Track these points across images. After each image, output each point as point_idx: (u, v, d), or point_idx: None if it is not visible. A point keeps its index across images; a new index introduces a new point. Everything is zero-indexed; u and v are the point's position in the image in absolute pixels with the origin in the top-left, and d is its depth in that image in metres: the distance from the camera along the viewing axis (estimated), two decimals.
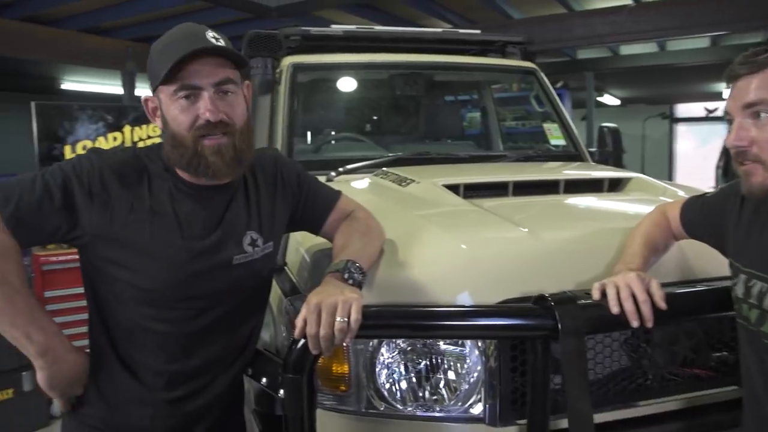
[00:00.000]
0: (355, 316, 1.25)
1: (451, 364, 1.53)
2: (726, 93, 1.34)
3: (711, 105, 12.86)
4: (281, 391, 1.37)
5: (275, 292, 1.75)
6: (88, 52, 6.90)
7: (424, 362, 1.53)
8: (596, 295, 1.39)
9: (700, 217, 1.53)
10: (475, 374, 1.51)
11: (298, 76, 3.00)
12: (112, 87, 8.53)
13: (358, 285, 1.38)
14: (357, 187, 2.41)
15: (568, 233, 1.72)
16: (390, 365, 1.53)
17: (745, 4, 5.28)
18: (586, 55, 9.01)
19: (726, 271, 1.44)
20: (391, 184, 2.27)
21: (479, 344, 1.50)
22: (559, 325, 1.31)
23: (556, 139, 3.54)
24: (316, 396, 1.40)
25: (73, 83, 8.81)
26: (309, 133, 3.33)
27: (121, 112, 5.31)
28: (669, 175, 12.93)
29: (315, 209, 1.61)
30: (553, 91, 3.62)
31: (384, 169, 2.54)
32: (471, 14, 6.90)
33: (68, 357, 1.37)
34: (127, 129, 5.23)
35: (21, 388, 3.95)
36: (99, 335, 1.43)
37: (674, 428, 1.58)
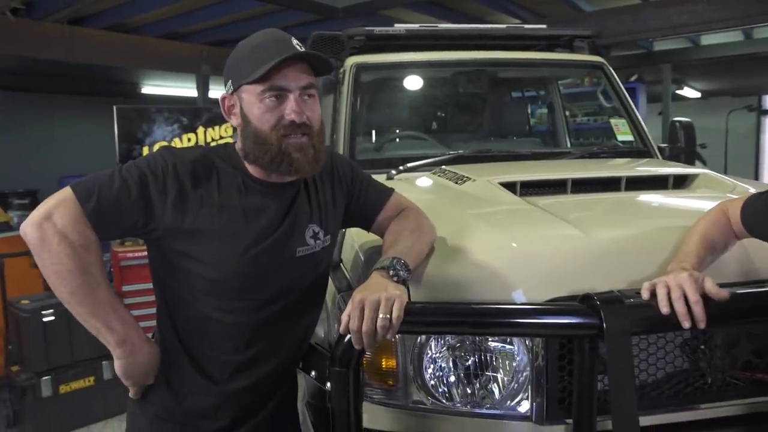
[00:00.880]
0: (396, 313, 1.28)
1: (499, 361, 1.53)
2: None
3: None
4: (328, 384, 1.41)
5: (330, 288, 1.80)
6: (166, 57, 7.23)
7: (471, 359, 1.54)
8: (645, 294, 1.36)
9: (763, 214, 1.46)
10: (523, 373, 1.51)
11: (361, 76, 3.05)
12: (187, 90, 8.88)
13: (403, 282, 1.40)
14: (414, 185, 2.43)
15: (622, 231, 1.69)
16: (437, 361, 1.55)
17: None
18: (664, 47, 8.66)
19: None
20: (448, 182, 2.28)
21: (527, 342, 1.50)
22: (605, 325, 1.29)
23: (624, 135, 3.45)
24: (362, 389, 1.44)
25: (151, 87, 9.22)
26: (372, 132, 3.38)
27: (196, 113, 5.56)
28: (756, 171, 12.27)
29: (367, 205, 1.66)
30: (621, 86, 3.53)
31: (443, 167, 2.55)
32: (541, 8, 6.76)
33: (144, 348, 1.45)
34: (200, 130, 5.46)
35: (101, 376, 4.19)
36: (168, 329, 1.50)
37: None
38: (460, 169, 2.38)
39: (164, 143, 5.37)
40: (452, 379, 1.55)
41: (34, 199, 9.07)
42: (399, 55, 3.23)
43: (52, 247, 1.29)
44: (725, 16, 5.59)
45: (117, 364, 1.43)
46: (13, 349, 4.13)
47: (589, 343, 1.37)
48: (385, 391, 1.56)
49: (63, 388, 4.02)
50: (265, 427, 1.57)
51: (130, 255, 4.41)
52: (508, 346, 1.52)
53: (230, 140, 5.72)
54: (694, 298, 1.30)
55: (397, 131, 3.36)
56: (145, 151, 5.21)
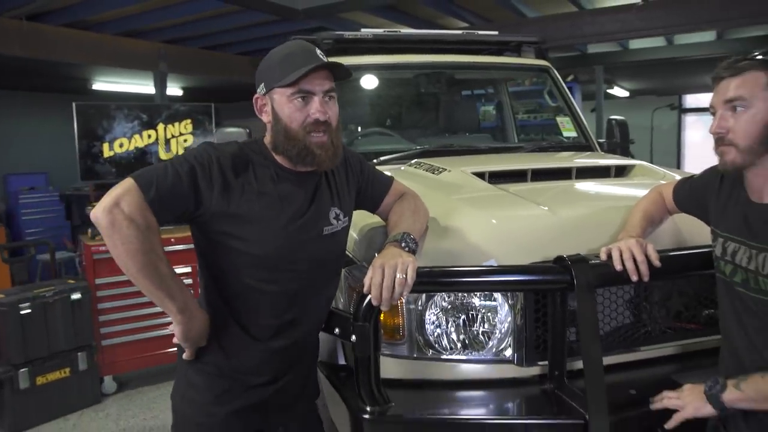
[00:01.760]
0: (411, 273, 1.59)
1: (486, 317, 1.87)
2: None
3: None
4: (353, 337, 1.71)
5: None
6: (124, 54, 7.22)
7: (463, 317, 1.88)
8: (603, 256, 1.74)
9: (689, 195, 1.86)
10: (506, 325, 1.86)
11: None
12: (141, 87, 8.87)
13: (413, 252, 1.70)
14: (395, 176, 2.74)
15: (581, 211, 2.07)
16: (435, 319, 1.88)
17: (748, 0, 5.58)
18: (596, 50, 9.30)
19: (709, 240, 1.76)
20: (425, 173, 2.60)
21: (509, 300, 1.85)
22: (575, 280, 1.65)
23: (568, 132, 3.85)
24: (380, 340, 1.74)
25: (103, 83, 9.12)
26: (344, 129, 3.65)
27: (155, 111, 5.60)
28: (678, 163, 13.15)
29: (374, 190, 1.96)
30: (565, 87, 3.92)
31: (417, 159, 2.87)
32: (487, 13, 7.13)
33: (199, 314, 1.67)
34: (161, 127, 5.52)
35: (77, 367, 4.26)
36: (215, 298, 1.73)
37: (669, 369, 1.92)
38: (433, 161, 2.71)
39: (124, 140, 5.42)
40: (447, 333, 1.88)
41: None
42: (366, 57, 3.53)
43: (122, 230, 1.48)
44: (650, 25, 6.24)
45: (178, 330, 1.64)
46: None
47: (560, 297, 1.74)
48: (393, 345, 1.88)
49: (40, 380, 4.07)
50: (298, 381, 1.84)
51: (103, 248, 4.37)
52: (492, 303, 1.86)
53: (189, 137, 5.84)
54: (640, 258, 1.69)
55: (367, 128, 3.66)
56: (105, 147, 5.26)
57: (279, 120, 1.69)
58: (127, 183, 1.53)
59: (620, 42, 8.57)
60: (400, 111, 4.05)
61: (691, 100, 13.43)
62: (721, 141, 1.56)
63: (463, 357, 1.87)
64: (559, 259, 1.72)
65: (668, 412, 1.62)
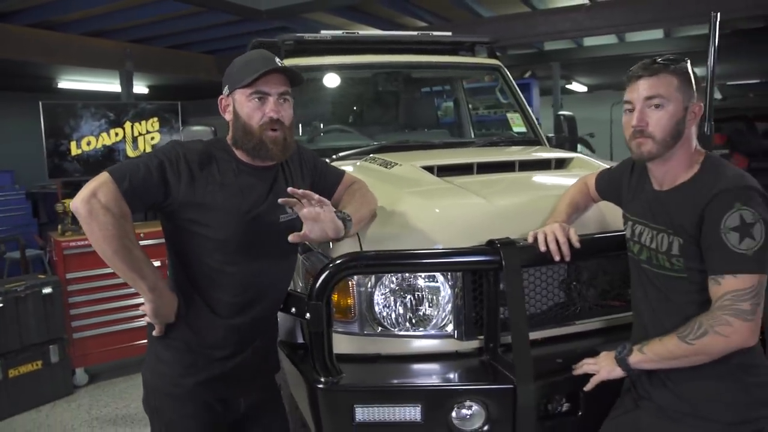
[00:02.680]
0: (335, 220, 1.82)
1: (429, 296, 2.07)
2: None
3: None
4: (307, 315, 1.89)
5: None
6: (90, 54, 7.26)
7: (408, 296, 2.08)
8: (530, 239, 1.96)
9: (608, 184, 2.08)
10: (447, 304, 2.06)
11: None
12: (106, 85, 8.88)
13: (343, 221, 1.86)
14: (350, 170, 2.91)
15: (516, 200, 2.28)
16: (384, 299, 2.07)
17: (689, 1, 5.90)
18: (553, 47, 9.62)
19: None
20: (378, 167, 2.78)
21: (449, 281, 2.05)
22: (503, 261, 1.86)
23: (518, 127, 4.07)
24: (332, 317, 1.93)
25: (68, 82, 9.11)
26: (305, 126, 3.82)
27: (122, 109, 5.66)
28: None
29: (327, 182, 2.15)
30: (515, 85, 4.13)
31: (371, 155, 3.06)
32: (444, 13, 7.35)
33: (168, 294, 1.86)
34: (128, 125, 5.59)
35: (49, 360, 4.36)
36: (183, 280, 1.91)
37: (595, 342, 2.14)
38: (386, 156, 2.90)
39: (92, 138, 5.49)
40: (395, 311, 2.07)
41: None
42: (326, 58, 3.70)
43: (100, 217, 1.67)
44: (599, 24, 6.59)
45: (149, 308, 1.83)
46: None
47: (493, 277, 1.95)
48: (345, 323, 2.06)
49: (12, 372, 4.16)
50: (258, 355, 2.02)
51: (73, 244, 4.50)
52: (435, 284, 2.06)
53: (156, 135, 5.92)
54: (562, 239, 1.91)
55: (327, 125, 3.83)
56: (73, 145, 5.33)
57: (239, 117, 1.88)
58: (103, 176, 1.72)
59: (575, 39, 8.89)
60: (360, 109, 4.22)
61: None
62: (640, 133, 1.73)
63: (409, 333, 2.07)
64: (490, 242, 1.93)
65: (589, 377, 1.84)
